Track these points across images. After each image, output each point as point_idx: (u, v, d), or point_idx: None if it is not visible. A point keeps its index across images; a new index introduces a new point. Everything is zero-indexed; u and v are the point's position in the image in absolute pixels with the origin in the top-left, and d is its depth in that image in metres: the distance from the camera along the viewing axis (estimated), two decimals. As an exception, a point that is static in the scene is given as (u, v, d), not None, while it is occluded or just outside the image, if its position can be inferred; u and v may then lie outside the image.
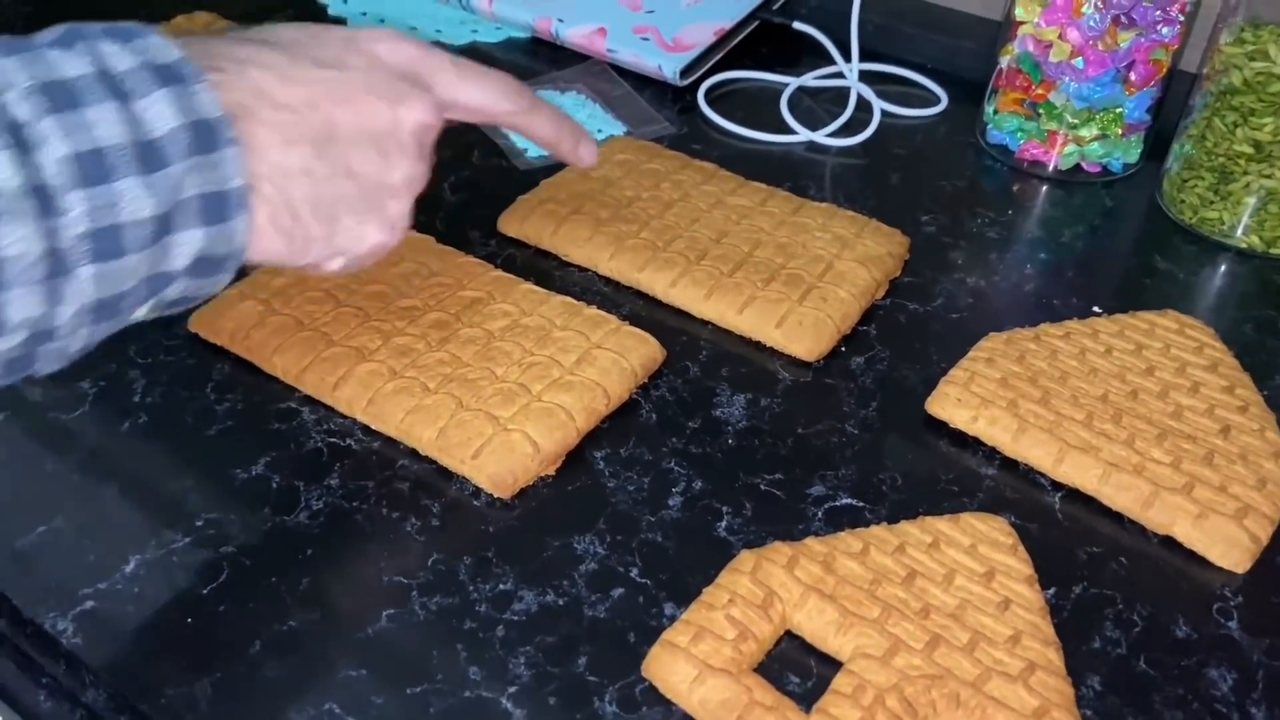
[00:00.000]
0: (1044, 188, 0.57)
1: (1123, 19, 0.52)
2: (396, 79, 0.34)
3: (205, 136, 0.29)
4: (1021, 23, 0.55)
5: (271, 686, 0.33)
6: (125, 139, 0.28)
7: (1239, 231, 0.52)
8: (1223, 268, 0.52)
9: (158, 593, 0.36)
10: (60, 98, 0.27)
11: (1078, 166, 0.57)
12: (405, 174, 0.34)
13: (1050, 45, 0.54)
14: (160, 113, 0.28)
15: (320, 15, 0.70)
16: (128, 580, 0.36)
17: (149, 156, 0.28)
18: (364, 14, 0.70)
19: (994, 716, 0.31)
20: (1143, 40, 0.52)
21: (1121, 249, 0.54)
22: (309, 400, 0.43)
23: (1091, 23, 0.52)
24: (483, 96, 0.36)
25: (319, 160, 0.32)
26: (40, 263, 0.26)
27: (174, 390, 0.43)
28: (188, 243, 0.29)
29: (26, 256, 0.26)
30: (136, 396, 0.42)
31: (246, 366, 0.44)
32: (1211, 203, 0.52)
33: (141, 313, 0.31)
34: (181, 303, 0.32)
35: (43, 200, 0.26)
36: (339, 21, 0.69)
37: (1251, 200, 0.51)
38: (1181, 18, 0.53)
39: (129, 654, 0.34)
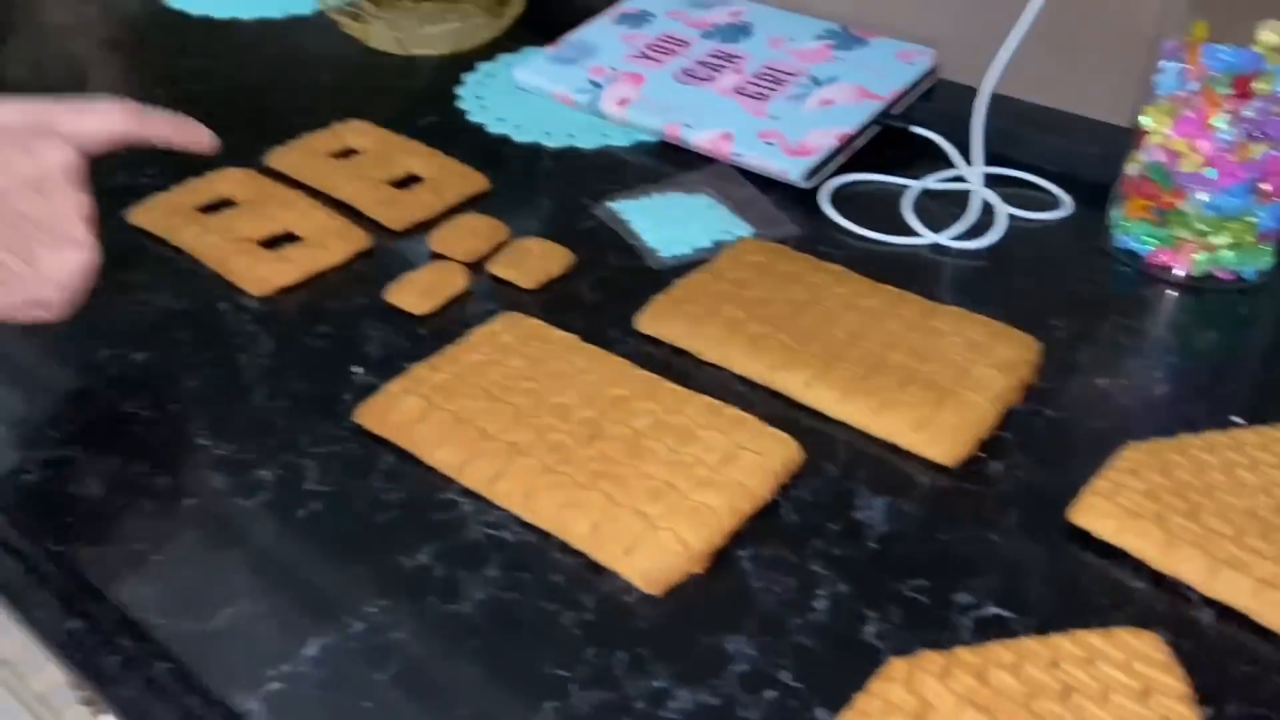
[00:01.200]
0: (1175, 294, 0.58)
1: (1256, 133, 0.53)
2: (24, 135, 0.41)
3: None
4: (1149, 132, 0.56)
5: (445, 773, 0.35)
6: None
7: (1382, 342, 0.51)
8: (1365, 378, 0.52)
9: (337, 676, 0.38)
10: None
11: (1210, 273, 0.57)
12: (73, 204, 0.42)
13: (1180, 155, 0.55)
14: None
15: (462, 121, 0.74)
16: (309, 663, 0.38)
17: None
18: (501, 120, 0.74)
19: (1160, 839, 0.31)
20: (1275, 153, 0.53)
21: (1257, 356, 0.54)
22: (467, 492, 0.45)
23: (1224, 136, 0.53)
24: (101, 123, 0.44)
25: None
26: None
27: (344, 480, 0.46)
28: None
29: None
30: (310, 484, 0.45)
31: (409, 458, 0.47)
32: (1352, 313, 0.52)
33: None
34: None
35: None
36: (478, 127, 0.73)
37: (1395, 312, 0.50)
38: (1315, 129, 0.53)
39: (311, 735, 0.36)
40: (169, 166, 0.67)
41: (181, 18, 0.89)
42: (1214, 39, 0.53)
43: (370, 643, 0.39)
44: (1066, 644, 0.37)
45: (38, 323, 0.44)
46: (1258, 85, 0.52)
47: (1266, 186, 0.54)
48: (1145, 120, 0.56)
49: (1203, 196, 0.55)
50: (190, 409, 0.49)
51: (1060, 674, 0.36)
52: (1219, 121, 0.53)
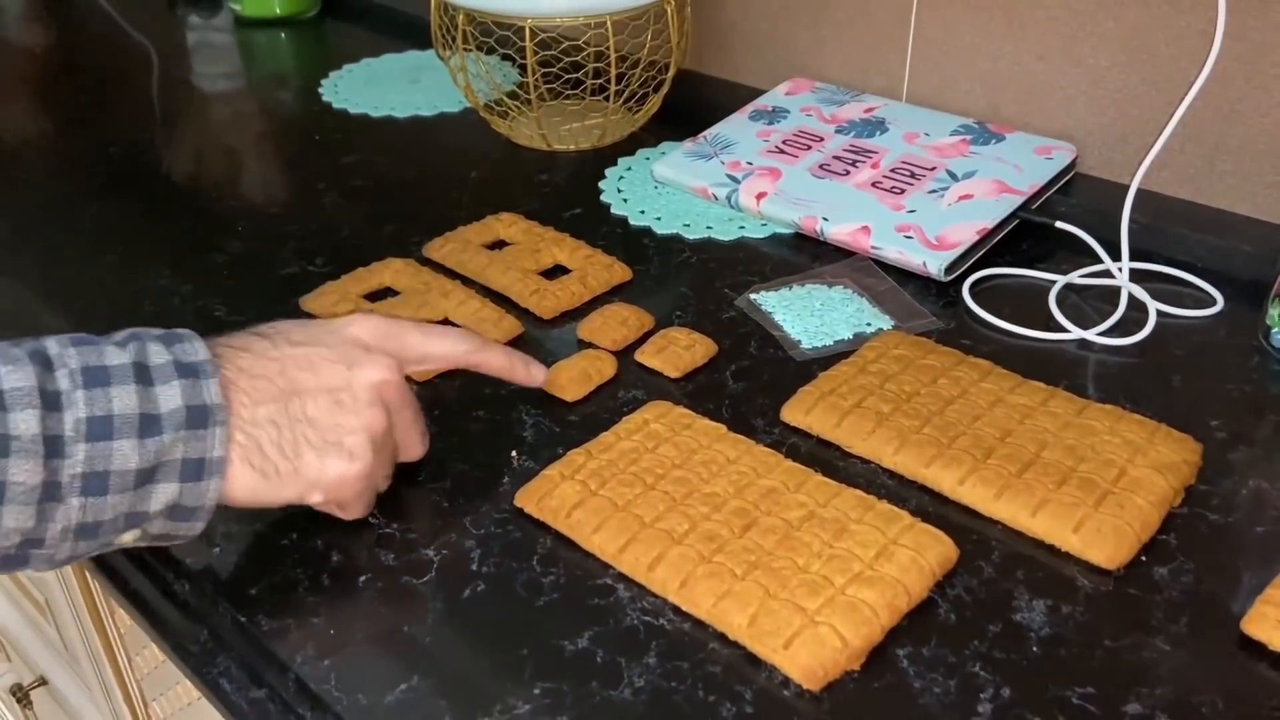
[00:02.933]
0: (1340, 395, 0.56)
1: None
2: (356, 348, 0.45)
3: (199, 416, 0.40)
4: (1311, 232, 0.55)
5: None
6: (134, 410, 0.38)
7: None
8: None
9: (506, 757, 0.39)
10: (96, 378, 0.39)
11: (1377, 374, 0.55)
12: (360, 419, 0.44)
13: (1345, 255, 0.54)
14: (170, 396, 0.39)
15: (605, 213, 0.77)
16: (477, 742, 0.40)
17: (148, 425, 0.39)
18: (642, 212, 0.77)
19: None
20: None
21: None
22: (623, 578, 0.46)
23: (1393, 236, 0.52)
24: (445, 346, 0.49)
25: (283, 412, 0.43)
26: (36, 489, 0.37)
27: (505, 562, 0.47)
28: (165, 493, 0.40)
29: (26, 484, 0.37)
30: (474, 565, 0.47)
31: (566, 542, 0.48)
32: None
33: (127, 539, 0.41)
34: (165, 538, 0.42)
35: (53, 446, 0.37)
36: (620, 219, 0.77)
37: None
38: None
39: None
40: (337, 256, 0.71)
41: (342, 116, 0.96)
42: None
43: (536, 724, 0.40)
44: (1250, 763, 0.36)
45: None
46: None
47: None
48: (1305, 218, 0.55)
49: (1370, 297, 0.54)
50: (359, 488, 0.52)
51: (1246, 794, 0.35)
52: (1387, 221, 0.52)
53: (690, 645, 0.43)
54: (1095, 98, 0.74)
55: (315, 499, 0.45)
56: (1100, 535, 0.46)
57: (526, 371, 0.53)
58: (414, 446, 0.49)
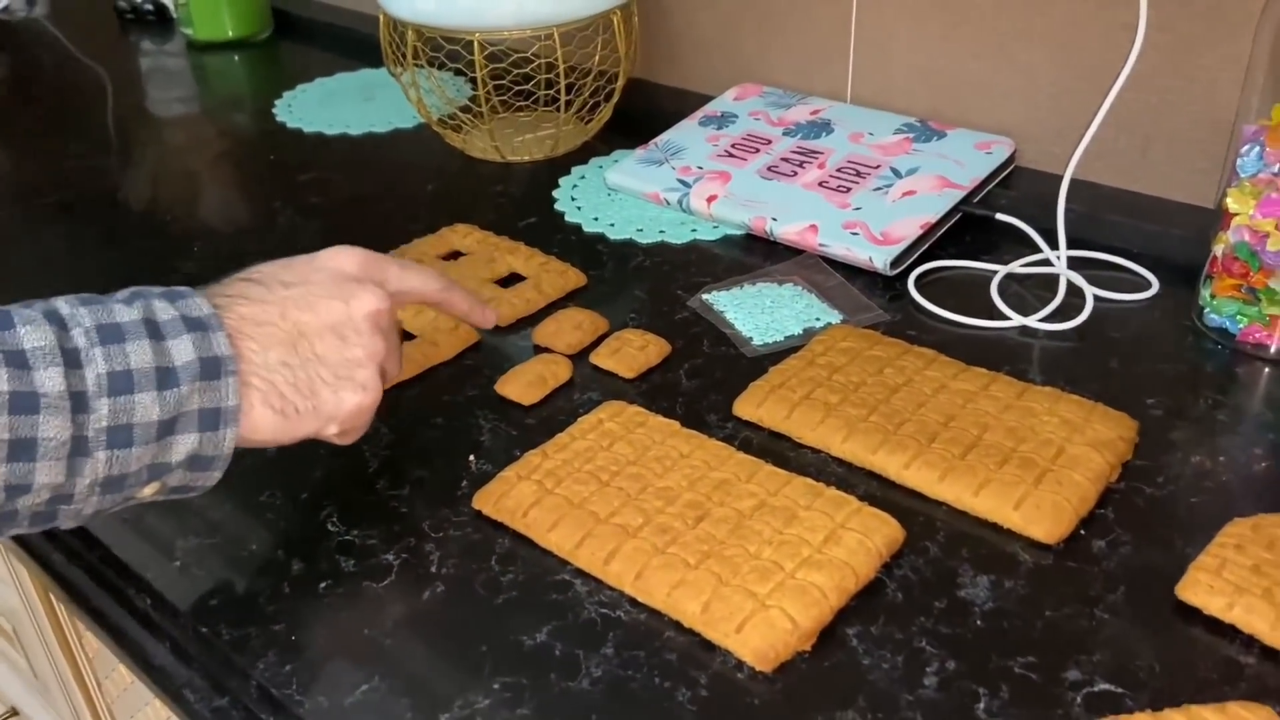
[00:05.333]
0: (1269, 369, 0.58)
1: (1343, 210, 0.53)
2: (348, 280, 0.46)
3: (212, 367, 0.41)
4: (1235, 214, 0.57)
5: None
6: (150, 365, 0.39)
7: None
8: None
9: (466, 750, 0.40)
10: (110, 334, 0.39)
11: (1304, 348, 0.58)
12: (365, 349, 0.46)
13: (1267, 235, 0.56)
14: (183, 350, 0.40)
15: (559, 221, 0.78)
16: (438, 737, 0.40)
17: (165, 378, 0.40)
18: (596, 219, 0.79)
19: None
20: (1365, 229, 0.54)
21: (1360, 431, 0.54)
22: (580, 573, 0.47)
23: (1310, 214, 0.54)
24: (420, 281, 0.51)
25: (293, 354, 0.44)
26: (66, 444, 0.38)
27: (464, 562, 0.48)
28: (185, 443, 0.41)
29: (56, 439, 0.38)
30: (433, 567, 0.48)
31: (524, 541, 0.49)
32: None
33: (147, 493, 0.42)
34: (182, 490, 0.43)
35: (78, 402, 0.38)
36: (574, 226, 0.78)
37: None
38: (1403, 205, 0.54)
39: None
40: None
41: (296, 136, 0.97)
42: (1291, 121, 0.54)
43: (496, 717, 0.41)
44: (1179, 718, 0.37)
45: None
46: (1341, 165, 0.53)
47: (1357, 262, 0.55)
48: (1231, 203, 0.57)
49: (1293, 274, 0.56)
50: (319, 498, 0.53)
51: (1177, 749, 0.36)
52: (1304, 201, 0.54)
53: (646, 635, 0.44)
54: (1030, 93, 0.76)
55: (331, 431, 0.46)
56: (1040, 511, 0.47)
57: (483, 314, 0.56)
58: (397, 366, 0.50)
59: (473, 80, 0.90)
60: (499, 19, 0.79)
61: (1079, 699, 0.40)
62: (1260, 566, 0.43)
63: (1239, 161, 0.57)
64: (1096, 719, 0.38)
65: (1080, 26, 0.71)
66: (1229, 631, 0.42)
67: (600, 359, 0.62)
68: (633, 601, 0.46)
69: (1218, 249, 0.59)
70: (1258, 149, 0.56)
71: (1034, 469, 0.49)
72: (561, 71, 0.82)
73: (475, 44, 0.80)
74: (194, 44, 1.24)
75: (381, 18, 0.86)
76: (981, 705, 0.40)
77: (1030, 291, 0.67)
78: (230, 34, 1.23)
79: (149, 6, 1.35)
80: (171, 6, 1.30)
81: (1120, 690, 0.40)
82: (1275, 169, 0.55)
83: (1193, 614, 0.43)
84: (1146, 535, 0.47)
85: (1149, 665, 0.41)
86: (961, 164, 0.75)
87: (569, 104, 0.86)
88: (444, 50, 0.84)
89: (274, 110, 1.03)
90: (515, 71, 0.84)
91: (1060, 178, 0.66)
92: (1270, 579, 0.42)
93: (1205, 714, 0.38)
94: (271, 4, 1.27)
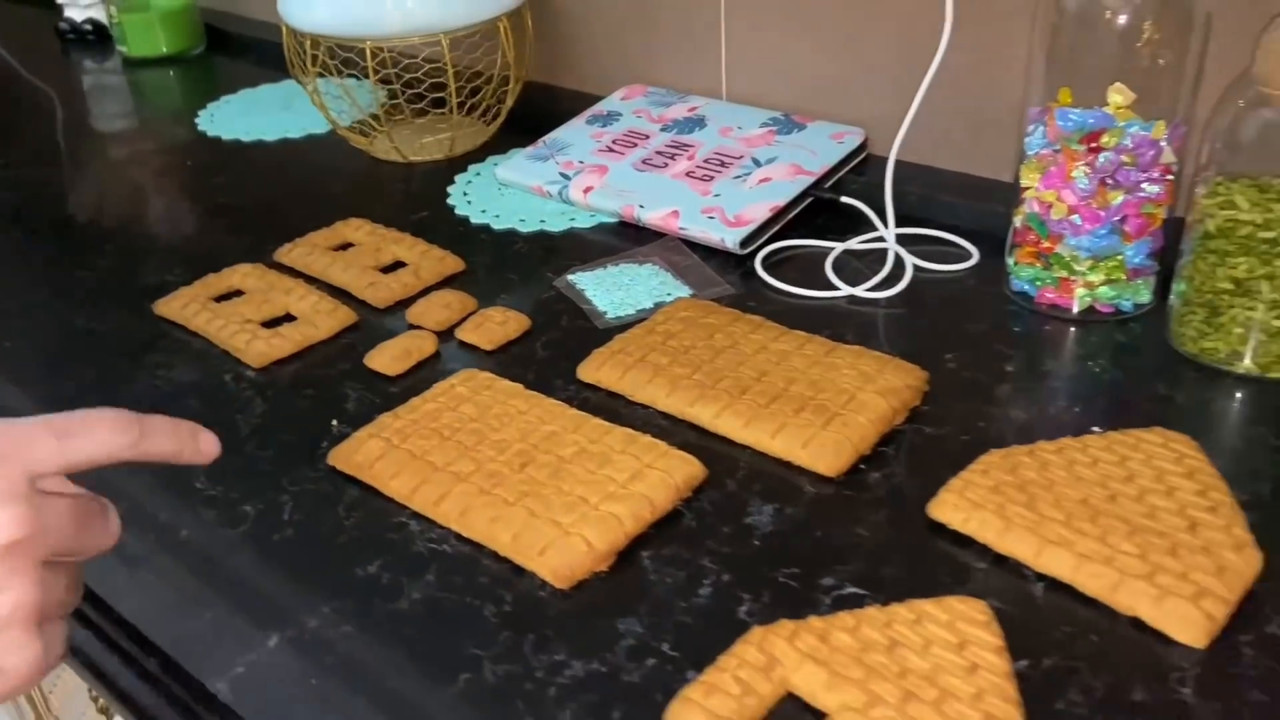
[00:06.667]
0: (1062, 328, 0.64)
1: (1109, 180, 0.60)
2: None
3: None
4: (1026, 187, 0.63)
5: (371, 729, 0.42)
6: None
7: (1235, 358, 0.57)
8: (1222, 391, 0.57)
9: (291, 662, 0.45)
10: None
11: (1092, 308, 0.64)
12: (3, 605, 0.31)
13: (1051, 205, 0.62)
14: None
15: (450, 215, 0.84)
16: (269, 653, 0.46)
17: None
18: (483, 211, 0.84)
19: (953, 757, 0.37)
20: (1131, 198, 0.60)
21: (1129, 379, 0.60)
22: (417, 515, 0.53)
23: (1082, 185, 0.60)
24: (94, 444, 0.35)
25: None
26: None
27: (315, 511, 0.54)
28: None
29: None
30: (286, 515, 0.54)
31: (371, 491, 0.55)
32: (1207, 334, 0.58)
33: None
34: None
35: None
36: (463, 219, 0.83)
37: (1239, 330, 0.56)
38: (1169, 177, 0.60)
39: (271, 709, 0.43)
40: (195, 267, 0.77)
41: (215, 143, 1.02)
42: (1076, 103, 0.61)
43: (321, 636, 0.46)
44: (901, 610, 0.43)
45: None
46: (1105, 140, 0.59)
47: (1129, 228, 0.61)
48: (1022, 178, 0.64)
49: (1074, 240, 0.62)
50: (193, 459, 0.58)
51: (891, 632, 0.42)
52: (1077, 174, 0.60)
53: (466, 563, 0.50)
54: (875, 87, 0.82)
55: None
56: (824, 449, 0.53)
57: (196, 449, 0.39)
58: (99, 539, 0.36)
59: (382, 87, 0.96)
60: (388, 27, 0.85)
61: (829, 599, 0.46)
62: (1000, 487, 0.49)
63: (1026, 140, 0.63)
64: (838, 612, 0.44)
65: (913, 22, 0.78)
66: (968, 542, 0.48)
67: (464, 334, 0.67)
68: (458, 537, 0.51)
69: (1017, 220, 0.65)
70: (1041, 128, 0.62)
71: (825, 413, 0.55)
72: (450, 76, 0.88)
73: (367, 51, 0.86)
74: (129, 60, 1.30)
75: (284, 29, 0.92)
76: (744, 608, 0.46)
77: (867, 266, 0.73)
78: (164, 50, 1.29)
79: (89, 26, 1.40)
80: (109, 25, 1.36)
81: (865, 592, 0.46)
82: (1055, 146, 0.61)
83: (940, 529, 0.49)
84: (917, 468, 0.53)
85: (894, 572, 0.47)
86: (815, 153, 0.81)
87: (464, 106, 0.92)
88: (339, 57, 0.90)
89: (196, 120, 1.08)
90: (410, 76, 0.90)
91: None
92: (1005, 496, 0.48)
93: (925, 606, 0.43)
94: (204, 21, 1.32)
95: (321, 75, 0.91)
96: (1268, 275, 0.54)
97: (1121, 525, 0.46)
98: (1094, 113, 0.59)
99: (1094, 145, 0.59)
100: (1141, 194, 0.60)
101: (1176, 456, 0.50)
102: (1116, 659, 0.42)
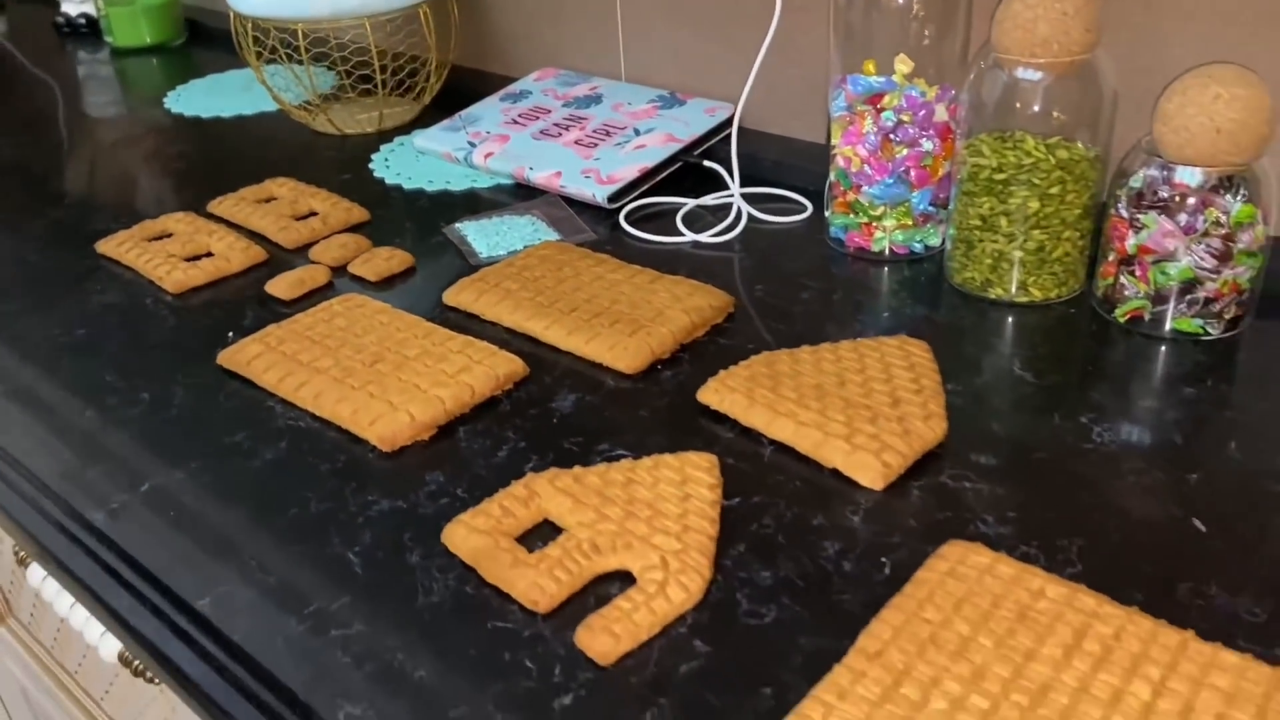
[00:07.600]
0: (864, 267, 0.74)
1: (892, 136, 0.70)
2: None
3: None
4: (834, 146, 0.73)
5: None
6: None
7: (987, 286, 0.67)
8: (973, 313, 0.67)
9: (159, 502, 0.55)
10: None
11: (891, 250, 0.73)
12: None
13: (850, 160, 0.72)
14: None
15: (369, 177, 0.95)
16: (141, 495, 0.56)
17: None
18: (399, 174, 0.95)
19: (648, 552, 0.47)
20: (912, 151, 0.70)
21: (903, 305, 0.69)
22: (282, 401, 0.63)
23: (870, 140, 0.70)
24: None
25: None
26: None
27: (199, 398, 0.64)
28: None
29: None
30: (176, 401, 0.64)
31: (249, 384, 0.65)
32: (966, 266, 0.67)
33: None
34: None
35: None
36: (379, 180, 0.94)
37: (989, 261, 0.66)
38: (951, 137, 0.70)
39: (140, 535, 0.54)
40: (140, 216, 0.88)
41: (178, 119, 1.14)
42: (880, 74, 0.71)
43: (186, 485, 0.57)
44: (646, 461, 0.53)
45: None
46: (886, 101, 0.69)
47: (912, 179, 0.71)
48: (832, 137, 0.73)
49: (869, 190, 0.72)
50: (105, 363, 0.68)
51: (631, 474, 0.52)
52: (867, 129, 0.70)
53: (314, 435, 0.60)
54: (741, 67, 0.92)
55: None
56: (626, 351, 0.63)
57: None
58: None
59: (332, 69, 1.07)
60: (315, 11, 0.96)
61: (598, 460, 0.55)
62: (754, 377, 0.58)
63: (831, 105, 0.73)
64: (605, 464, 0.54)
65: (767, 9, 0.88)
66: (724, 419, 0.58)
67: (354, 267, 0.78)
68: (313, 416, 0.62)
69: (832, 175, 0.75)
70: (841, 93, 0.72)
71: (634, 325, 0.65)
72: (374, 55, 0.98)
73: (299, 33, 0.97)
74: (116, 50, 1.41)
75: (231, 14, 1.03)
76: (530, 465, 0.56)
77: (719, 219, 0.83)
78: (148, 40, 1.41)
79: (82, 20, 1.53)
80: (99, 18, 1.48)
81: (630, 455, 0.56)
82: (851, 109, 0.71)
83: (705, 410, 0.58)
84: (703, 369, 0.63)
85: (659, 440, 0.57)
86: (688, 124, 0.91)
87: (402, 86, 1.02)
88: (278, 38, 1.01)
89: (165, 100, 1.20)
90: (345, 56, 1.00)
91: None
92: (756, 384, 0.58)
93: (665, 458, 0.53)
94: (186, 15, 1.45)
95: (272, 60, 1.02)
96: (1004, 212, 0.64)
97: (840, 402, 0.55)
98: (881, 79, 0.69)
99: (880, 106, 0.69)
100: (920, 149, 0.70)
101: (906, 355, 0.59)
102: (809, 497, 0.51)
